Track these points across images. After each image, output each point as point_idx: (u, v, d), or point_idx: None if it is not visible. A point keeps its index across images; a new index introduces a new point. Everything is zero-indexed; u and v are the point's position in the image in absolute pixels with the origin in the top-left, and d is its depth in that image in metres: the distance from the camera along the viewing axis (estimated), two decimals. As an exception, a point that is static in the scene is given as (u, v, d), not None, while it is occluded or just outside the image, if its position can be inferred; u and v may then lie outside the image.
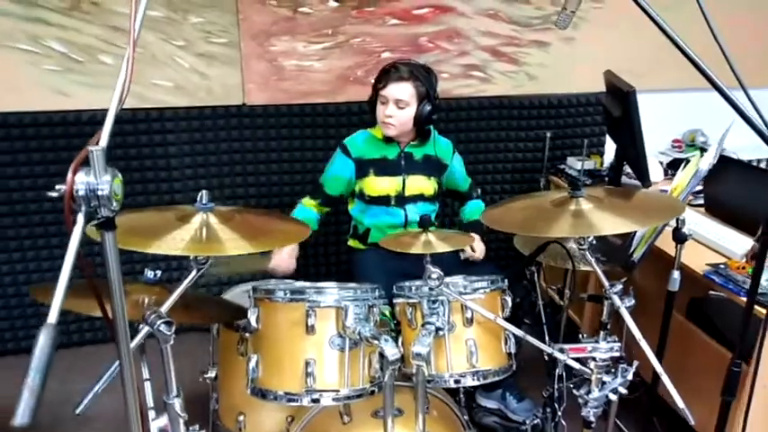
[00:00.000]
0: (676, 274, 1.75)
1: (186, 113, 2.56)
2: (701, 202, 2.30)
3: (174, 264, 2.58)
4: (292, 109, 2.68)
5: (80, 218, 0.69)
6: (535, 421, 2.07)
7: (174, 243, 1.13)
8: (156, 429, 1.32)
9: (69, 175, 0.69)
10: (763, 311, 1.57)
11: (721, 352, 1.88)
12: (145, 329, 1.14)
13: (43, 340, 0.60)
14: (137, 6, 0.88)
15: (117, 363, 1.11)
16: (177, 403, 1.18)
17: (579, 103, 2.97)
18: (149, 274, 1.47)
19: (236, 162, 2.67)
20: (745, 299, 1.68)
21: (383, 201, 2.11)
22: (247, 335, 1.71)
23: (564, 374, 1.75)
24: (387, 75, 1.97)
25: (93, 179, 0.69)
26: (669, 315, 1.81)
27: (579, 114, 2.99)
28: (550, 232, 1.30)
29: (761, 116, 1.13)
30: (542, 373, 1.91)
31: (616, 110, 2.22)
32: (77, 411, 1.15)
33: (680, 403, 1.29)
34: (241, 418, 1.79)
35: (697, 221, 2.10)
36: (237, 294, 1.93)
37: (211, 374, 1.89)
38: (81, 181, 0.69)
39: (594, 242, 1.69)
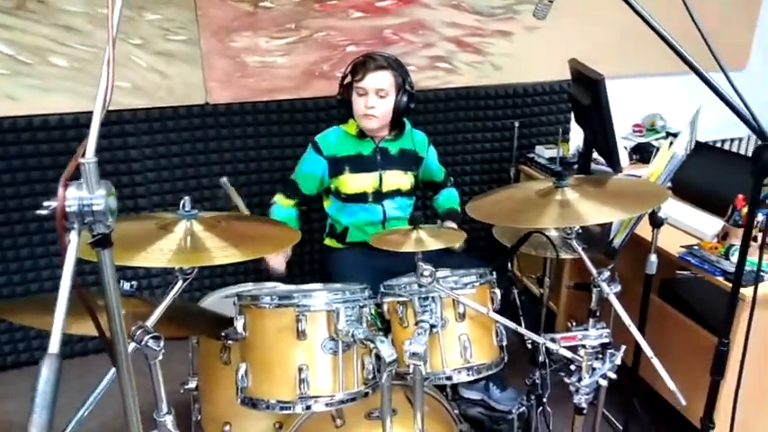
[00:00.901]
0: (653, 258, 1.79)
1: (146, 115, 2.46)
2: (669, 184, 2.36)
3: (152, 271, 2.49)
4: (257, 106, 2.60)
5: (74, 236, 0.63)
6: (521, 409, 2.09)
7: (160, 255, 1.07)
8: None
9: (60, 190, 0.63)
10: (743, 291, 1.63)
11: (696, 329, 1.94)
12: (132, 346, 1.08)
13: (47, 373, 0.55)
14: (113, 5, 0.81)
15: (101, 384, 1.05)
16: (169, 420, 1.12)
17: (544, 92, 3.00)
18: (125, 285, 1.40)
19: (200, 164, 2.59)
20: (720, 278, 1.74)
21: (360, 198, 2.07)
22: (230, 342, 1.66)
23: (547, 362, 1.77)
24: (363, 66, 1.93)
25: (87, 193, 0.63)
26: (647, 298, 1.85)
27: (545, 103, 3.02)
28: (540, 223, 1.30)
29: (741, 97, 1.15)
30: (523, 362, 1.93)
31: (585, 98, 2.25)
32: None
33: (671, 385, 1.32)
34: (227, 428, 1.73)
35: (667, 204, 2.16)
36: (216, 301, 1.87)
37: (192, 385, 1.83)
38: (73, 196, 0.63)
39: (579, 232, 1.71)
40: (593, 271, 1.41)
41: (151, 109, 2.46)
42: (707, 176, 2.12)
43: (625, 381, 2.03)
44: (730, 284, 1.60)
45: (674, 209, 2.09)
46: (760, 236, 1.75)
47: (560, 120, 3.05)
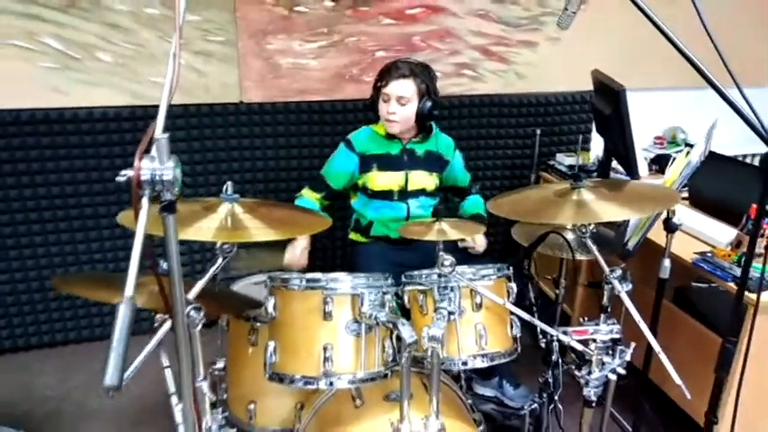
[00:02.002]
0: (667, 262, 1.85)
1: (183, 111, 2.58)
2: (686, 195, 2.41)
3: (185, 259, 2.62)
4: (289, 106, 2.72)
5: (145, 201, 0.73)
6: (533, 406, 2.15)
7: (203, 231, 1.17)
8: (178, 415, 1.36)
9: (136, 161, 0.73)
10: (752, 297, 1.68)
11: (706, 334, 1.98)
12: (164, 328, 1.18)
13: (124, 311, 0.65)
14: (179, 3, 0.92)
15: (155, 338, 1.15)
16: (205, 385, 1.22)
17: (566, 101, 3.07)
18: (164, 265, 1.50)
19: (233, 159, 2.70)
20: (731, 284, 1.79)
21: (386, 195, 2.16)
22: (258, 324, 1.76)
23: (559, 361, 1.84)
24: (388, 73, 2.02)
25: (158, 165, 0.73)
26: (660, 301, 1.90)
27: (566, 112, 3.09)
28: (557, 219, 1.37)
29: (754, 112, 1.21)
30: (536, 362, 1.99)
31: (606, 108, 2.32)
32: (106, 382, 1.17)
33: (677, 380, 1.38)
34: (251, 406, 1.83)
35: (683, 213, 2.21)
36: (246, 287, 1.97)
37: (220, 365, 1.93)
38: (146, 167, 0.73)
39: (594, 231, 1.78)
40: (606, 268, 1.48)
41: (188, 105, 2.58)
42: (723, 187, 2.17)
43: (635, 381, 2.09)
44: (747, 293, 1.67)
45: (690, 218, 2.14)
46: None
47: (581, 129, 3.11)
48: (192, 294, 1.21)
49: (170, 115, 2.58)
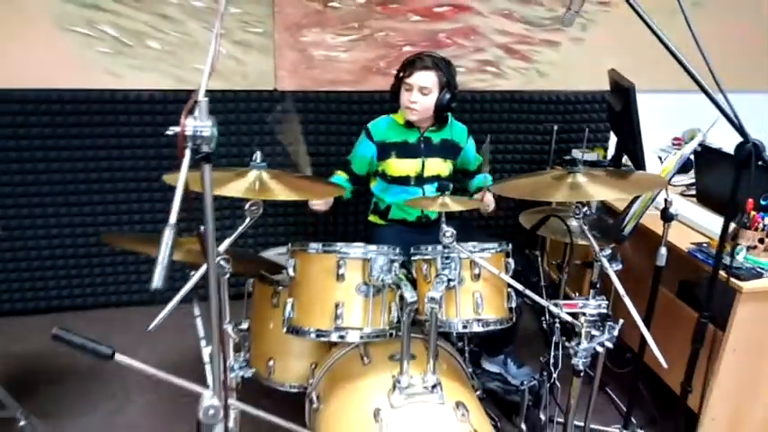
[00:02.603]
0: (663, 251, 1.96)
1: (222, 96, 2.80)
2: (693, 192, 2.51)
3: (218, 224, 2.84)
4: (319, 95, 2.91)
5: (187, 152, 0.92)
6: (532, 383, 2.29)
7: (234, 190, 1.37)
8: (206, 356, 1.55)
9: (182, 119, 0.92)
10: (739, 284, 1.79)
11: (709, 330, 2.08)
12: (202, 269, 1.38)
13: (168, 233, 0.83)
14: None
15: (189, 283, 1.35)
16: (229, 328, 1.41)
17: (586, 100, 3.18)
18: (201, 228, 1.71)
19: (265, 143, 2.91)
20: (722, 272, 1.89)
21: (403, 181, 2.32)
22: (280, 288, 1.95)
23: (560, 343, 1.97)
24: (412, 64, 2.18)
25: (200, 123, 0.91)
26: (657, 287, 2.02)
27: (585, 111, 3.20)
28: (552, 197, 1.52)
29: (735, 114, 1.33)
30: (540, 347, 2.13)
31: (617, 104, 2.44)
32: (150, 328, 1.37)
33: (654, 349, 1.50)
34: (271, 363, 2.02)
35: (687, 208, 2.31)
36: (270, 256, 2.17)
37: (244, 326, 2.13)
38: (190, 124, 0.91)
39: (592, 216, 1.92)
40: (596, 247, 1.62)
41: (226, 91, 2.80)
42: (721, 182, 2.25)
43: (631, 365, 2.21)
44: (732, 278, 1.78)
45: (690, 211, 2.25)
46: (761, 235, 1.92)
47: (599, 128, 3.22)
48: (222, 247, 1.40)
49: (210, 99, 2.80)
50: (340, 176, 2.39)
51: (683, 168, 2.89)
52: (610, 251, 1.64)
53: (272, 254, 2.21)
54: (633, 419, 2.26)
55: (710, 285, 1.53)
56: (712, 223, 2.13)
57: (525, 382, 2.30)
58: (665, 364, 1.49)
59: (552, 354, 2.04)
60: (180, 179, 0.88)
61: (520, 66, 3.08)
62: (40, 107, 2.64)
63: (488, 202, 2.25)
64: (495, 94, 3.09)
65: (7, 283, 2.86)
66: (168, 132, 0.94)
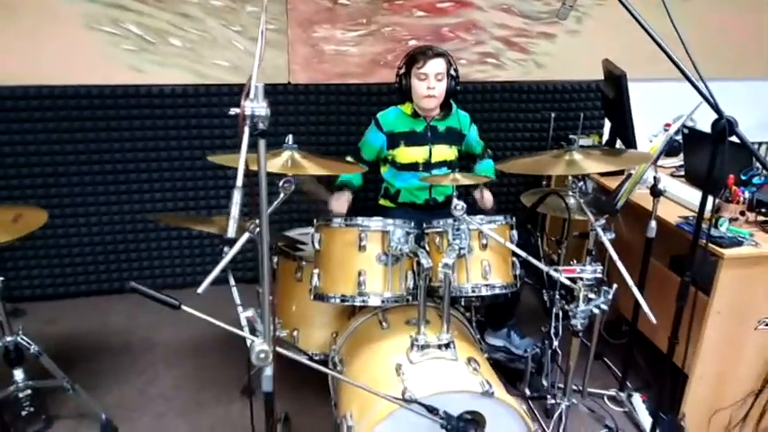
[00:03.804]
0: (653, 224, 2.15)
1: (240, 89, 2.94)
2: (683, 173, 2.69)
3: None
4: (330, 88, 3.08)
5: (246, 129, 1.09)
6: (535, 350, 2.48)
7: (272, 167, 1.55)
8: (244, 319, 1.73)
9: (242, 101, 1.09)
10: (721, 251, 1.97)
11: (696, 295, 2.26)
12: (246, 235, 1.55)
13: (237, 195, 1.01)
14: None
15: (234, 248, 1.52)
16: (266, 286, 1.58)
17: (582, 89, 3.36)
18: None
19: (280, 134, 3.06)
20: (705, 241, 2.07)
21: (412, 167, 2.48)
22: (304, 263, 2.13)
23: (560, 313, 2.15)
24: (422, 54, 2.32)
25: (256, 104, 1.09)
26: (648, 257, 2.20)
27: (581, 99, 3.38)
28: (552, 171, 1.71)
29: (711, 94, 1.52)
30: (541, 321, 2.29)
31: (610, 92, 2.62)
32: (199, 291, 1.54)
33: (645, 308, 1.68)
34: (295, 333, 2.21)
35: (676, 187, 2.49)
36: (295, 235, 2.35)
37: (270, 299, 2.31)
38: (248, 105, 1.09)
39: (589, 195, 2.10)
40: (592, 218, 1.80)
41: (244, 84, 2.96)
42: (707, 162, 2.42)
43: (627, 334, 2.38)
44: (714, 246, 1.96)
45: (679, 189, 2.43)
46: (742, 208, 2.10)
47: (594, 115, 3.40)
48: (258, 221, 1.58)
49: (231, 93, 2.99)
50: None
51: (674, 151, 3.08)
52: (603, 221, 1.82)
53: (294, 233, 2.40)
54: (628, 383, 2.45)
55: (692, 248, 1.71)
56: (698, 199, 2.31)
57: (528, 350, 2.49)
58: (653, 320, 1.67)
59: (553, 324, 2.22)
60: (242, 152, 1.06)
61: (519, 57, 3.26)
62: (69, 102, 2.81)
63: (487, 199, 2.44)
64: (496, 84, 3.27)
65: (39, 270, 3.03)
66: (231, 112, 1.11)
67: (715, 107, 1.50)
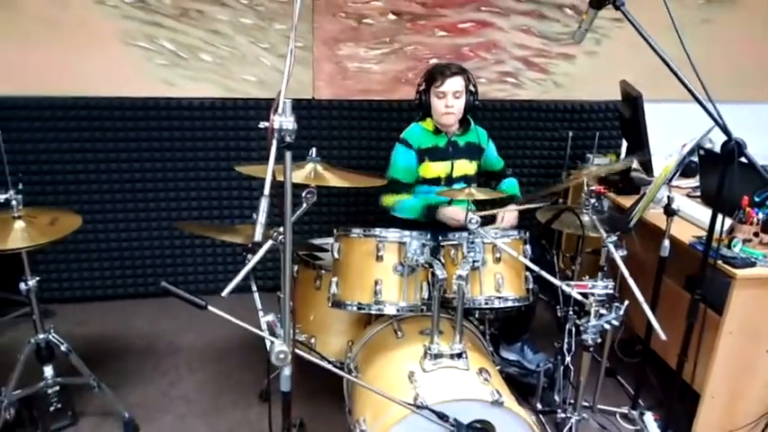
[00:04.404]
0: (666, 243, 2.18)
1: (267, 104, 3.06)
2: (699, 194, 2.72)
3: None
4: (353, 104, 3.18)
5: (274, 142, 1.18)
6: (547, 365, 2.51)
7: (296, 177, 1.64)
8: (264, 323, 1.81)
9: (272, 115, 1.18)
10: (734, 271, 1.99)
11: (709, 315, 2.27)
12: (269, 243, 1.64)
13: (263, 203, 1.09)
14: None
15: (260, 254, 1.60)
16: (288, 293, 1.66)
17: (600, 109, 3.41)
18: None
19: (304, 147, 3.16)
20: (720, 262, 2.10)
21: (435, 182, 2.53)
22: (323, 272, 2.21)
23: (573, 330, 2.19)
24: (441, 74, 2.40)
25: (284, 118, 1.18)
26: (661, 276, 2.23)
27: (599, 119, 3.42)
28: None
29: (720, 116, 1.57)
30: (554, 337, 2.33)
31: (627, 112, 2.67)
32: (223, 294, 1.62)
33: (654, 323, 1.72)
34: (312, 340, 2.28)
35: (692, 208, 2.52)
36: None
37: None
38: (277, 119, 1.18)
39: (604, 214, 2.15)
40: (604, 234, 1.85)
41: (270, 99, 3.06)
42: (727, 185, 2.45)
43: (640, 352, 2.40)
44: (727, 266, 1.99)
45: (695, 210, 2.45)
46: (756, 229, 2.12)
47: (612, 135, 3.44)
48: (282, 229, 1.66)
49: (257, 107, 3.11)
50: (400, 200, 2.50)
51: (690, 172, 3.10)
52: (615, 238, 1.87)
53: (315, 243, 2.48)
54: (641, 401, 2.46)
55: (702, 267, 1.74)
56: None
57: (541, 365, 2.53)
58: (663, 336, 1.71)
59: (565, 340, 2.26)
60: (269, 162, 1.14)
61: (538, 77, 3.32)
62: (103, 113, 2.95)
63: (506, 220, 2.45)
64: (515, 103, 3.34)
65: (68, 273, 3.16)
66: (261, 125, 1.20)
67: (724, 128, 1.55)
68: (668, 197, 2.12)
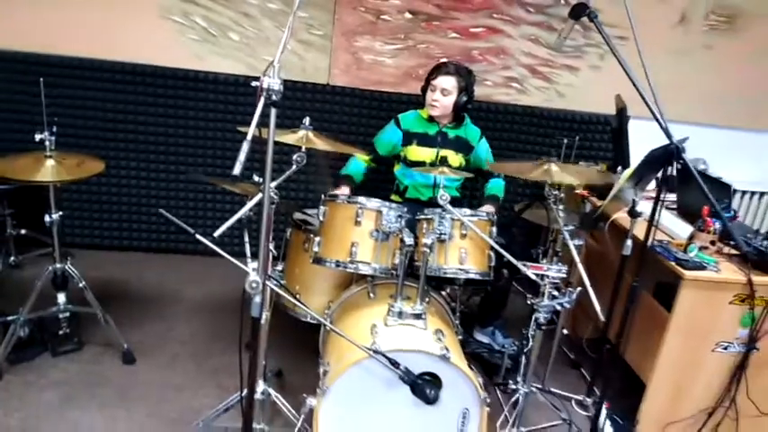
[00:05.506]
0: (629, 243, 2.34)
1: (284, 83, 3.32)
2: (675, 206, 2.88)
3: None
4: (365, 93, 3.42)
5: (262, 98, 1.41)
6: (513, 348, 2.71)
7: (290, 139, 1.88)
8: (251, 267, 2.04)
9: (261, 77, 1.42)
10: (683, 272, 2.16)
11: (660, 311, 2.43)
12: (259, 195, 1.87)
13: (245, 146, 1.32)
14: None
15: (250, 204, 1.84)
16: (271, 246, 1.90)
17: (598, 121, 3.58)
18: (255, 177, 2.21)
19: (316, 129, 3.42)
20: (672, 262, 2.25)
21: (420, 165, 2.77)
22: (312, 236, 2.43)
23: (540, 319, 2.36)
24: (438, 69, 2.65)
25: (271, 79, 1.41)
26: (621, 273, 2.40)
27: (597, 131, 3.60)
28: (527, 174, 1.97)
29: (664, 120, 1.76)
30: (527, 327, 2.51)
31: (614, 122, 2.85)
32: (215, 234, 1.86)
33: (597, 307, 1.90)
34: (297, 295, 2.51)
35: (667, 218, 2.67)
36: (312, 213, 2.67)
37: (280, 267, 2.62)
38: (266, 80, 1.41)
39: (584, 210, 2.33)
40: (561, 223, 2.04)
41: (287, 81, 3.33)
42: (694, 197, 2.60)
43: (607, 355, 2.53)
44: (678, 267, 2.16)
45: (669, 220, 2.61)
46: (713, 238, 2.29)
47: (608, 147, 3.61)
48: (275, 183, 1.90)
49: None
50: (357, 161, 2.83)
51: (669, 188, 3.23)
52: (572, 227, 2.06)
53: (313, 212, 2.71)
54: (595, 389, 2.63)
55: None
56: (679, 227, 2.51)
57: (506, 347, 2.73)
58: (602, 317, 1.89)
59: (532, 327, 2.45)
60: (255, 114, 1.38)
61: (541, 85, 3.51)
62: (136, 78, 3.24)
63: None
64: (518, 107, 3.53)
65: (90, 221, 3.46)
66: (253, 84, 1.43)
67: (666, 132, 1.73)
68: (633, 200, 2.29)
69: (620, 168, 2.96)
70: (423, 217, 2.16)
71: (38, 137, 2.25)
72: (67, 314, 2.58)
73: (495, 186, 2.90)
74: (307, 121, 2.02)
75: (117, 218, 3.47)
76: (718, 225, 2.29)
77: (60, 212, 2.39)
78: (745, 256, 2.22)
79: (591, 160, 3.58)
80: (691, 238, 2.36)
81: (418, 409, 1.89)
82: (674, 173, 2.79)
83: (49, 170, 2.22)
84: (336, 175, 2.81)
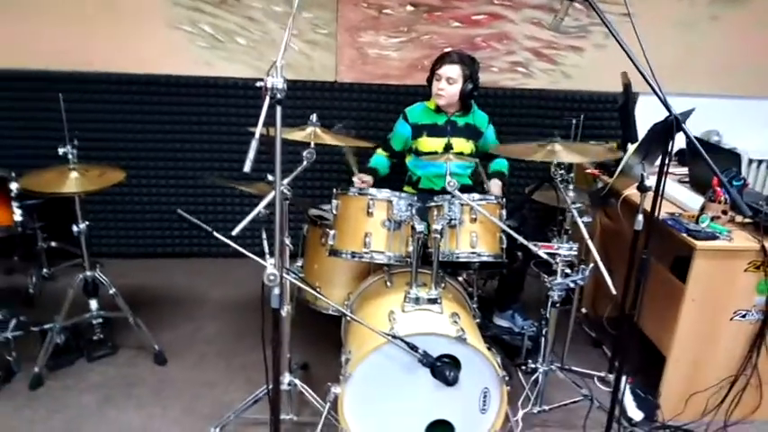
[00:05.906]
0: (640, 217, 2.35)
1: (292, 84, 3.40)
2: (687, 179, 2.88)
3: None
4: (372, 87, 3.47)
5: (267, 97, 1.48)
6: (532, 329, 2.75)
7: (298, 136, 1.96)
8: (269, 264, 2.12)
9: (265, 77, 1.48)
10: (695, 242, 2.17)
11: (676, 283, 2.43)
12: (272, 193, 1.94)
13: (254, 143, 1.39)
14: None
15: (263, 202, 1.91)
16: (287, 241, 1.97)
17: (607, 100, 3.58)
18: (269, 177, 2.28)
19: (324, 125, 3.48)
20: (684, 234, 2.27)
21: (431, 155, 2.81)
22: (328, 230, 2.50)
23: (557, 300, 2.39)
24: (442, 59, 2.68)
25: (276, 79, 1.47)
26: (635, 248, 2.42)
27: (606, 109, 3.60)
28: (532, 155, 2.01)
29: (663, 93, 1.77)
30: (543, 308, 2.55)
31: (621, 98, 2.86)
32: (234, 232, 1.94)
33: (608, 282, 1.93)
34: (318, 288, 2.58)
35: (676, 189, 2.68)
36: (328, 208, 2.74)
37: (299, 263, 2.70)
38: (269, 80, 1.47)
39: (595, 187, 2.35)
40: (568, 201, 2.07)
41: (296, 81, 3.40)
42: (704, 169, 2.60)
43: (625, 328, 2.56)
44: (690, 238, 2.18)
45: (675, 190, 2.62)
46: (724, 207, 2.29)
47: (615, 126, 3.60)
48: (287, 180, 1.97)
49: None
50: (379, 156, 2.90)
51: (681, 161, 3.23)
52: (580, 204, 2.09)
53: (328, 207, 2.78)
54: (616, 364, 2.65)
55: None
56: (690, 199, 2.52)
57: (526, 328, 2.77)
58: (613, 291, 1.92)
59: (549, 309, 2.48)
60: (262, 113, 1.45)
61: (547, 67, 3.53)
62: (150, 88, 3.35)
63: (494, 190, 2.73)
64: (524, 91, 3.55)
65: (116, 230, 3.58)
66: (258, 84, 1.50)
67: (665, 103, 1.75)
68: (642, 175, 2.31)
69: (629, 145, 2.99)
70: (433, 204, 2.21)
71: (61, 150, 2.35)
72: (100, 320, 2.68)
73: (501, 164, 2.92)
74: (314, 117, 2.09)
75: (141, 226, 3.59)
76: (726, 196, 2.29)
77: (87, 222, 2.49)
78: (757, 223, 2.22)
79: (601, 139, 3.59)
80: (702, 209, 2.37)
81: (439, 391, 1.95)
82: (684, 146, 2.83)
83: (73, 182, 2.32)
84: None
